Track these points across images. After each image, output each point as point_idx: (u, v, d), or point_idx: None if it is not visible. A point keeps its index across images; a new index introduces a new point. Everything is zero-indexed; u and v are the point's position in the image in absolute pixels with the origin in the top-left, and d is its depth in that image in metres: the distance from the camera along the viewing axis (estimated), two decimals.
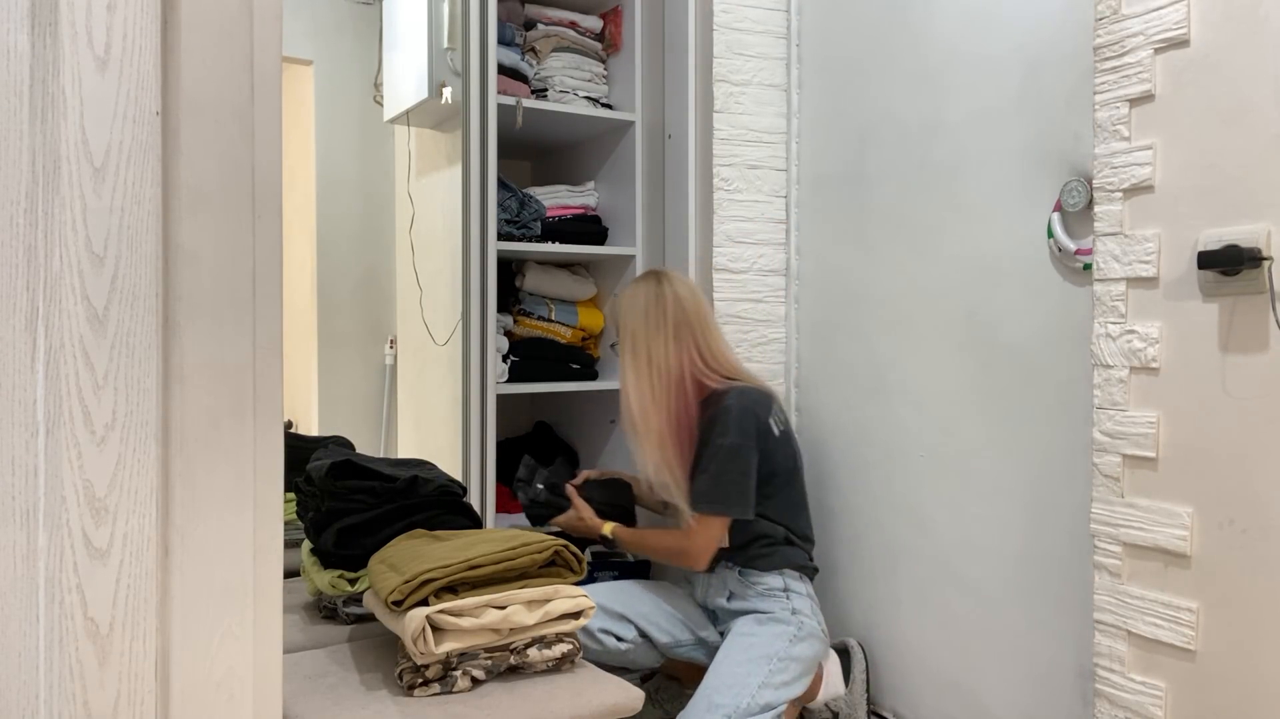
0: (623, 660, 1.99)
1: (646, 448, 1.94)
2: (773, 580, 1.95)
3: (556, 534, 1.59)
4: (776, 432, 1.95)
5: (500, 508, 2.44)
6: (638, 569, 2.44)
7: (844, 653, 2.10)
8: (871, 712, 2.07)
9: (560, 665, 1.36)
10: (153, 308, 0.75)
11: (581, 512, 2.03)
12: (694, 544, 1.91)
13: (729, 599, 1.98)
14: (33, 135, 0.70)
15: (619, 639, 1.96)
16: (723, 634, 1.99)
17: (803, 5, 2.33)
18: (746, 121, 2.30)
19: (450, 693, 1.28)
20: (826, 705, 2.06)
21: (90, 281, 0.72)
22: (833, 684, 2.05)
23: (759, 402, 1.94)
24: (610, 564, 2.41)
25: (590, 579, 2.37)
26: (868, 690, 2.07)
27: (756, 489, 1.92)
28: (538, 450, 2.70)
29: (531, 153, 2.84)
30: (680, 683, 2.14)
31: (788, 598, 1.94)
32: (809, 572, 2.01)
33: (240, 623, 0.80)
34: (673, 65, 2.40)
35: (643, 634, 1.98)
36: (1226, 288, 1.24)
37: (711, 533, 1.91)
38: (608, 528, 2.01)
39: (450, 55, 2.20)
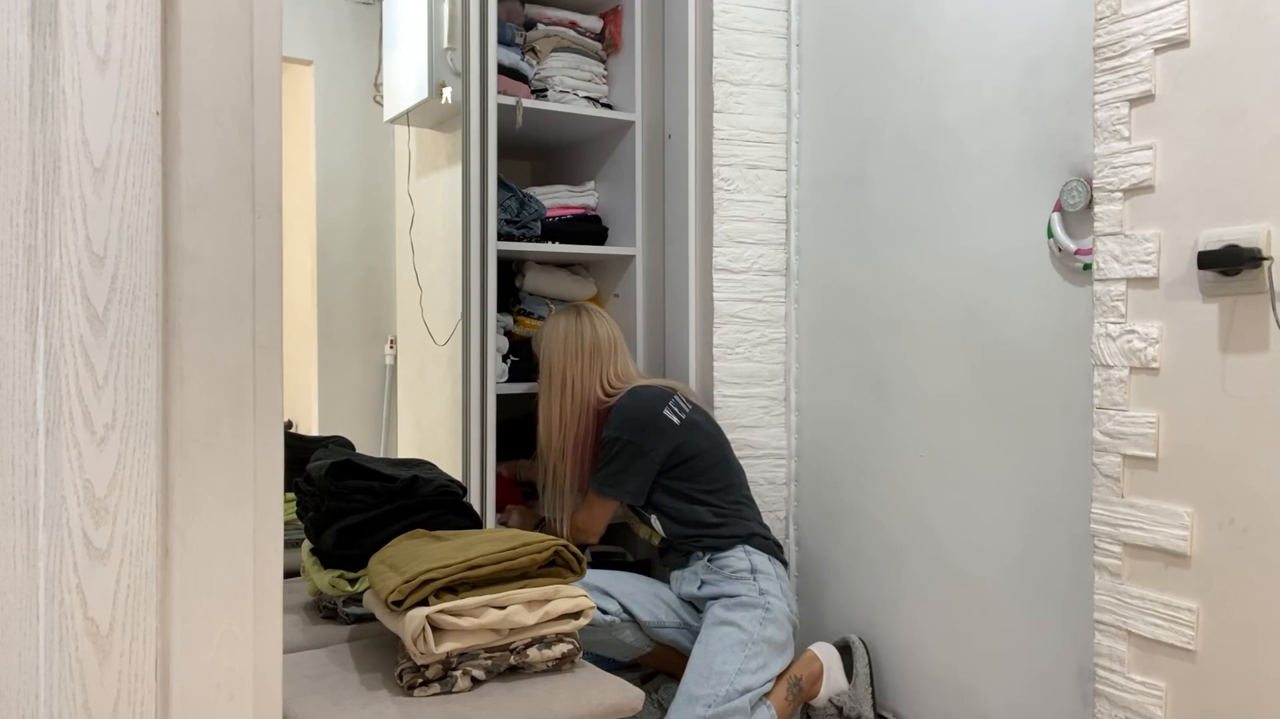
0: (612, 640, 2.06)
1: (549, 461, 2.18)
2: (738, 561, 2.02)
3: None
4: (676, 420, 2.09)
5: (500, 505, 2.44)
6: (637, 569, 2.44)
7: (845, 649, 2.10)
8: (876, 713, 2.07)
9: (560, 665, 1.36)
10: (153, 308, 0.75)
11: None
12: (579, 516, 2.16)
13: (700, 587, 2.05)
14: (33, 135, 0.70)
15: (604, 611, 2.03)
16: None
17: (803, 5, 2.33)
18: (746, 121, 2.30)
19: (450, 693, 1.28)
20: (830, 701, 2.06)
21: (90, 282, 0.72)
22: (835, 680, 2.05)
23: (649, 398, 2.11)
24: (610, 564, 2.41)
25: None
26: (872, 684, 2.08)
27: (676, 473, 2.07)
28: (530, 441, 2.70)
29: (531, 153, 2.84)
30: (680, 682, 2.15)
31: (755, 578, 2.00)
32: (769, 546, 2.08)
33: (240, 623, 0.80)
34: (673, 65, 2.40)
35: (625, 609, 2.05)
36: (1226, 288, 1.24)
37: (595, 512, 2.14)
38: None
39: (450, 55, 2.20)
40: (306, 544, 1.66)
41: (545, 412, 2.19)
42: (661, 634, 2.09)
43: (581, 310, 2.23)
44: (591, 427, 2.16)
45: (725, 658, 1.89)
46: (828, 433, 2.25)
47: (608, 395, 2.16)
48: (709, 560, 2.05)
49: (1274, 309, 1.20)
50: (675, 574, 2.14)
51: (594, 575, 2.08)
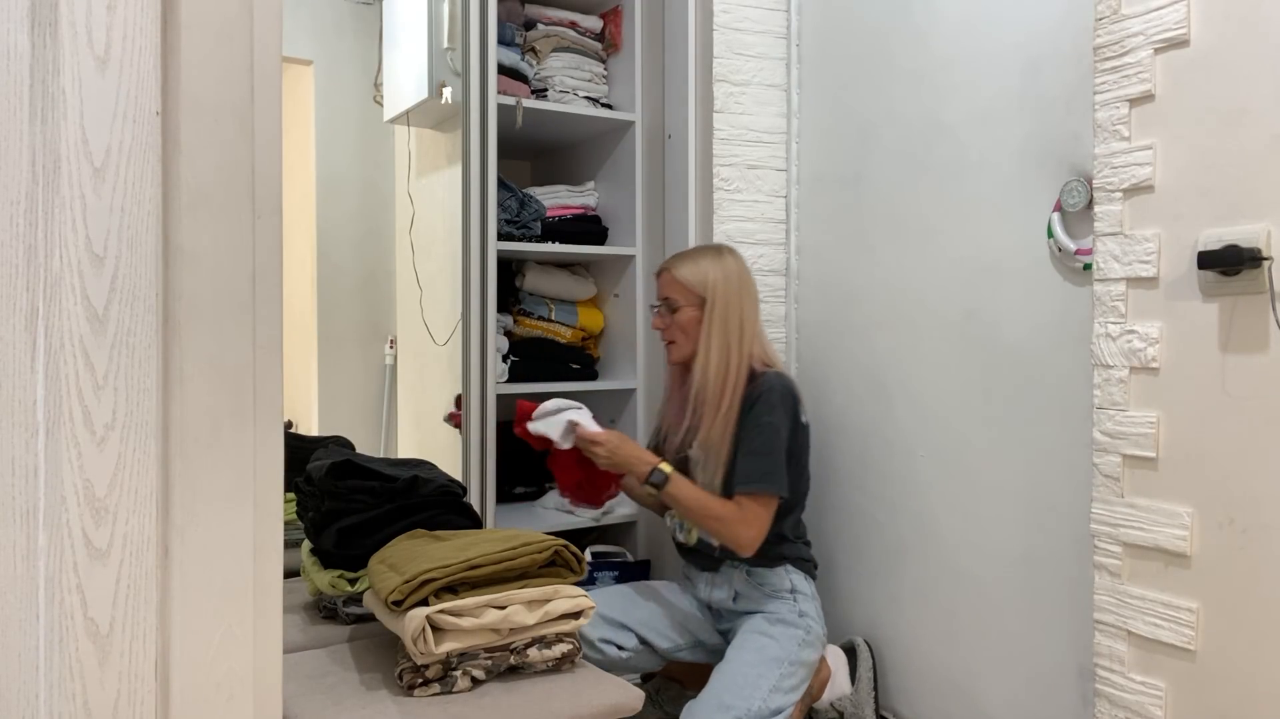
0: (623, 667, 1.98)
1: (712, 417, 1.90)
2: (779, 579, 1.94)
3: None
4: (804, 420, 1.96)
5: (501, 499, 2.44)
6: (637, 570, 2.44)
7: (850, 651, 2.09)
8: (878, 714, 2.07)
9: (560, 665, 1.36)
10: (153, 308, 0.75)
11: (626, 443, 1.91)
12: (747, 529, 1.84)
13: (735, 599, 1.97)
14: (33, 135, 0.70)
15: (620, 648, 1.94)
16: (724, 634, 2.00)
17: (803, 5, 2.33)
18: (746, 121, 2.30)
19: (450, 693, 1.28)
20: (832, 705, 2.05)
21: (90, 282, 0.72)
22: (839, 684, 2.04)
23: (793, 388, 1.95)
24: (610, 564, 2.40)
25: (590, 580, 2.36)
26: (875, 689, 2.07)
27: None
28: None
29: (531, 153, 2.84)
30: (681, 684, 2.14)
31: (794, 599, 1.93)
32: (809, 567, 2.01)
33: (240, 623, 0.80)
34: (673, 65, 2.40)
35: (643, 641, 1.97)
36: (1226, 288, 1.24)
37: (762, 516, 1.85)
38: (665, 464, 1.88)
39: (450, 55, 2.20)
40: (306, 544, 1.66)
41: (722, 358, 1.91)
42: (677, 657, 2.02)
43: (739, 255, 2.01)
44: (745, 383, 1.93)
45: (761, 672, 1.81)
46: (828, 432, 2.25)
47: (763, 365, 1.95)
48: (747, 573, 1.96)
49: (1274, 309, 1.20)
50: (702, 576, 2.02)
51: (609, 604, 1.97)
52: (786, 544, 1.97)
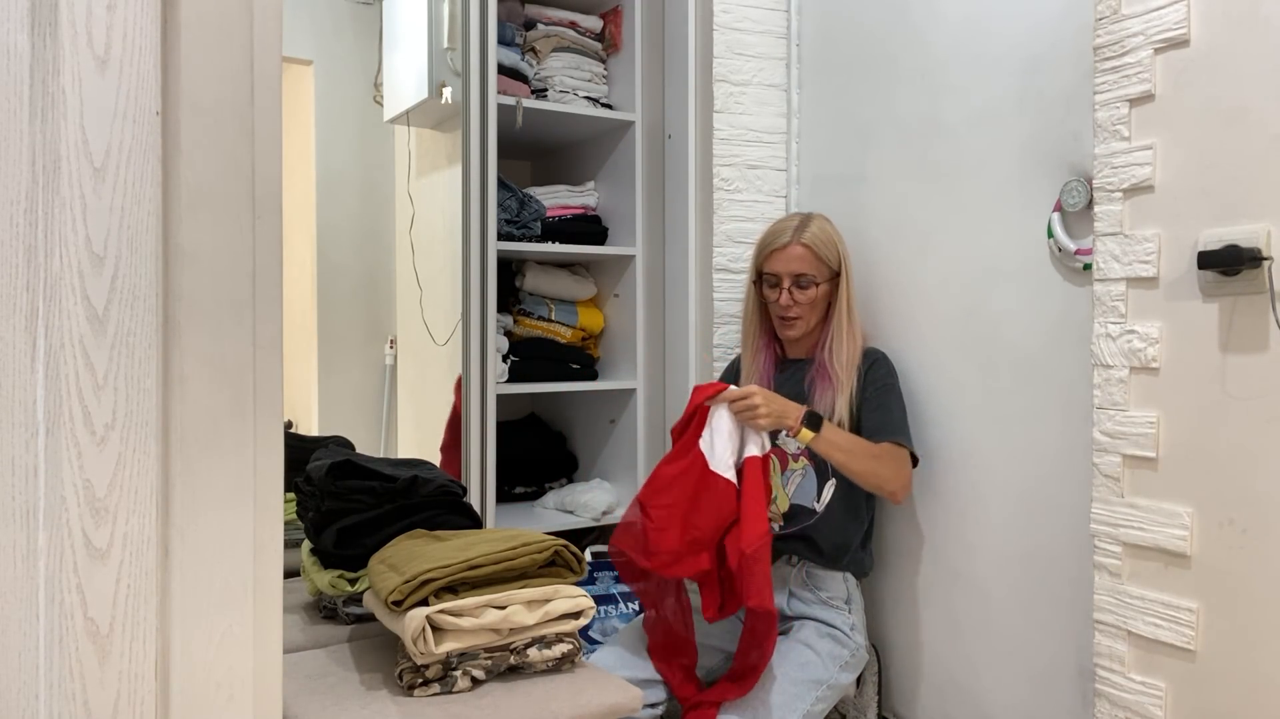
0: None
1: (844, 390, 1.90)
2: (836, 586, 1.91)
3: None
4: None
5: (501, 499, 2.44)
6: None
7: None
8: (879, 715, 2.06)
9: (560, 665, 1.36)
10: (153, 308, 0.75)
11: (769, 392, 1.76)
12: (900, 469, 1.81)
13: (788, 600, 1.91)
14: (33, 135, 0.70)
15: (652, 706, 1.80)
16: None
17: (803, 5, 2.33)
18: (746, 121, 2.30)
19: (450, 693, 1.28)
20: (834, 707, 2.05)
21: (90, 281, 0.72)
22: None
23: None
24: (609, 565, 2.40)
25: (590, 580, 2.36)
26: (879, 693, 2.06)
27: None
28: (527, 442, 2.70)
29: (531, 153, 2.84)
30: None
31: (849, 611, 1.90)
32: (867, 566, 1.98)
33: (240, 623, 0.80)
34: (673, 65, 2.40)
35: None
36: (1226, 288, 1.24)
37: (908, 464, 1.84)
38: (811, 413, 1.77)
39: (450, 55, 2.20)
40: (306, 544, 1.66)
41: (856, 324, 1.94)
42: (714, 678, 1.89)
43: None
44: None
45: (800, 691, 1.75)
46: None
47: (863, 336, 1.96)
48: (806, 575, 1.91)
49: (1274, 309, 1.20)
50: None
51: (628, 663, 1.80)
52: (858, 548, 1.93)
